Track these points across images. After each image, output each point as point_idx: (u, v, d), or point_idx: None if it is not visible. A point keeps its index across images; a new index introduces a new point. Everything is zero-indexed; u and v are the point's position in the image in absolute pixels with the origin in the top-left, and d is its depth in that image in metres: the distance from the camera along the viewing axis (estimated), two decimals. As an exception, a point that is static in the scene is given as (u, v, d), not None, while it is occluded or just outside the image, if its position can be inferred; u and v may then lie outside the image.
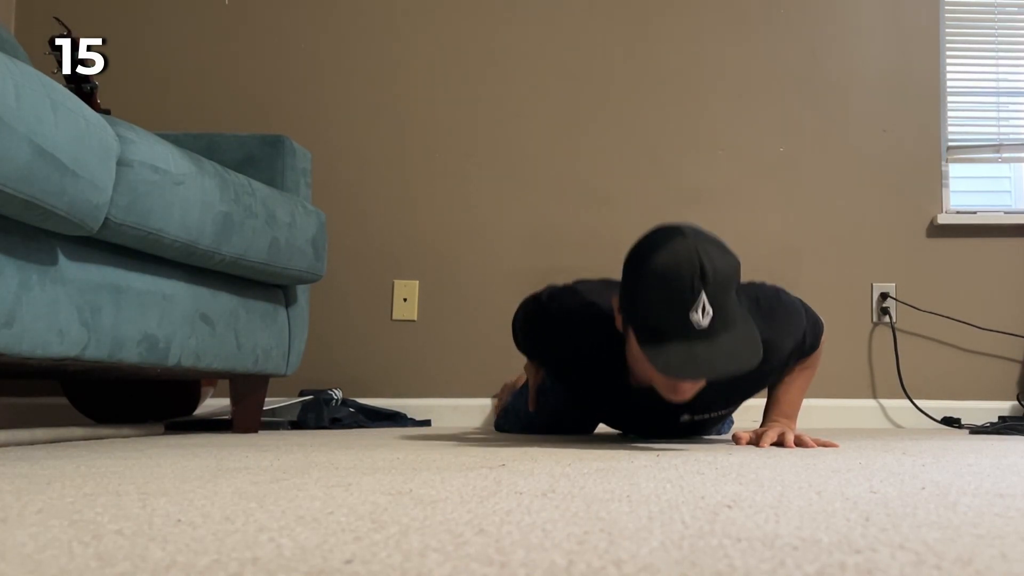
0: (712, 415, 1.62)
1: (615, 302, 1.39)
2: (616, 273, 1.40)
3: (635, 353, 1.33)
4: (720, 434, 2.08)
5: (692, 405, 1.48)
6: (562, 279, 1.65)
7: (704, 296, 1.22)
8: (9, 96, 1.09)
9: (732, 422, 2.14)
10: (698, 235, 1.27)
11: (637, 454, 1.21)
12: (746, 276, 1.36)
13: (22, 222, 1.21)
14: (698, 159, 2.75)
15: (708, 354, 1.23)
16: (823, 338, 1.65)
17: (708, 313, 1.23)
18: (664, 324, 1.24)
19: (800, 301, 1.62)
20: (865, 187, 2.76)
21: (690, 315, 1.22)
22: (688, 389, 1.34)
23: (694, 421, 1.61)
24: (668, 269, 1.23)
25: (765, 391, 1.67)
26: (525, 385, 1.99)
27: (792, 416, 1.62)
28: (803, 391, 1.65)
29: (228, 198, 1.61)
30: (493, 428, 2.17)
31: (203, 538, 0.49)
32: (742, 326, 1.28)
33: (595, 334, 1.47)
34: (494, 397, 2.64)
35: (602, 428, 2.27)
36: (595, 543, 0.47)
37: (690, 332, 1.23)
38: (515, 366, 2.28)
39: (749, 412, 1.99)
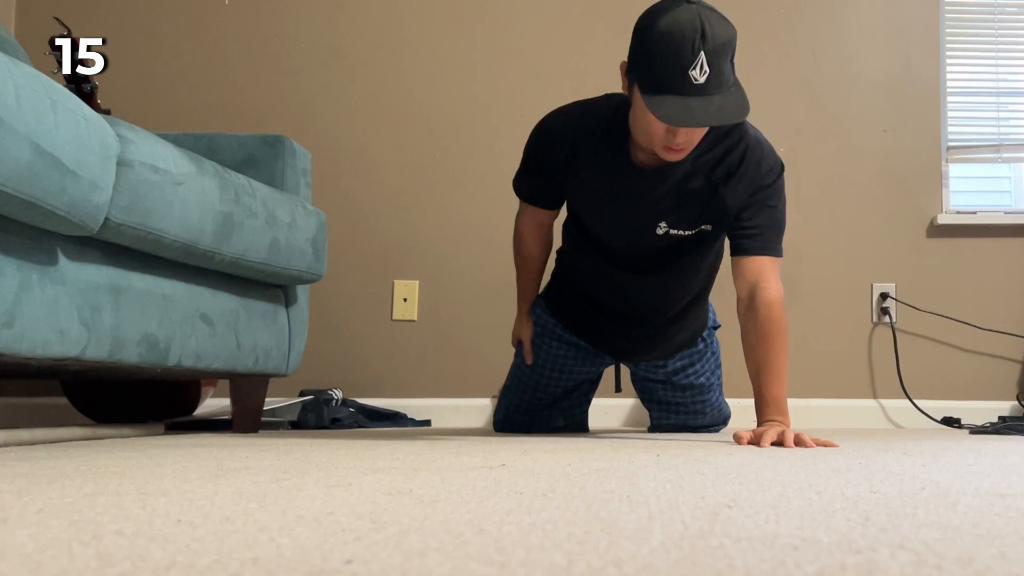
0: (684, 232, 1.70)
1: (622, 65, 1.54)
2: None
3: (638, 110, 1.51)
4: (715, 432, 2.08)
5: (671, 211, 1.65)
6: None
7: (703, 55, 1.39)
8: (9, 96, 1.09)
9: (726, 416, 2.15)
10: (702, 3, 1.44)
11: (637, 454, 1.21)
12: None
13: (22, 222, 1.21)
14: (698, 159, 2.75)
15: (701, 107, 1.40)
16: (780, 284, 1.68)
17: (705, 71, 1.40)
18: (665, 78, 1.41)
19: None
20: (865, 187, 2.76)
21: (689, 72, 1.40)
22: (683, 143, 1.50)
23: (668, 236, 1.70)
24: (672, 29, 1.40)
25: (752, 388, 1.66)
26: (515, 364, 2.04)
27: (785, 411, 1.61)
28: (785, 376, 1.65)
29: (228, 198, 1.61)
30: (492, 428, 2.17)
31: (203, 538, 0.49)
32: (734, 89, 1.46)
33: (597, 113, 1.67)
34: (493, 397, 2.64)
35: (596, 425, 2.27)
36: (595, 543, 0.47)
37: (687, 87, 1.40)
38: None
39: (748, 412, 1.99)
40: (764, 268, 1.65)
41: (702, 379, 2.02)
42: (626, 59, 1.52)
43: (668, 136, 1.48)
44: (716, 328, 2.06)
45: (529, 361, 1.99)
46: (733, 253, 1.69)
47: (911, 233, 2.75)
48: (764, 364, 1.63)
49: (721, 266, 1.90)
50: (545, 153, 1.73)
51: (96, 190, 1.27)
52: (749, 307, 1.64)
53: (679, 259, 1.78)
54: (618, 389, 2.12)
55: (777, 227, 1.70)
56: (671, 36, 1.39)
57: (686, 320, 1.93)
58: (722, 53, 1.42)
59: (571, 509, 0.61)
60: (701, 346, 2.01)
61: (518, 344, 2.04)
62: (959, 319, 2.69)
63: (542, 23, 2.81)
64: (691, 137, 1.51)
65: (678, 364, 1.99)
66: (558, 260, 2.01)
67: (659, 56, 1.41)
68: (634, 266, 1.79)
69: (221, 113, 2.75)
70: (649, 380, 2.04)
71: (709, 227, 1.70)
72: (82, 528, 0.52)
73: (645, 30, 1.45)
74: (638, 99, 1.47)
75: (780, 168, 1.69)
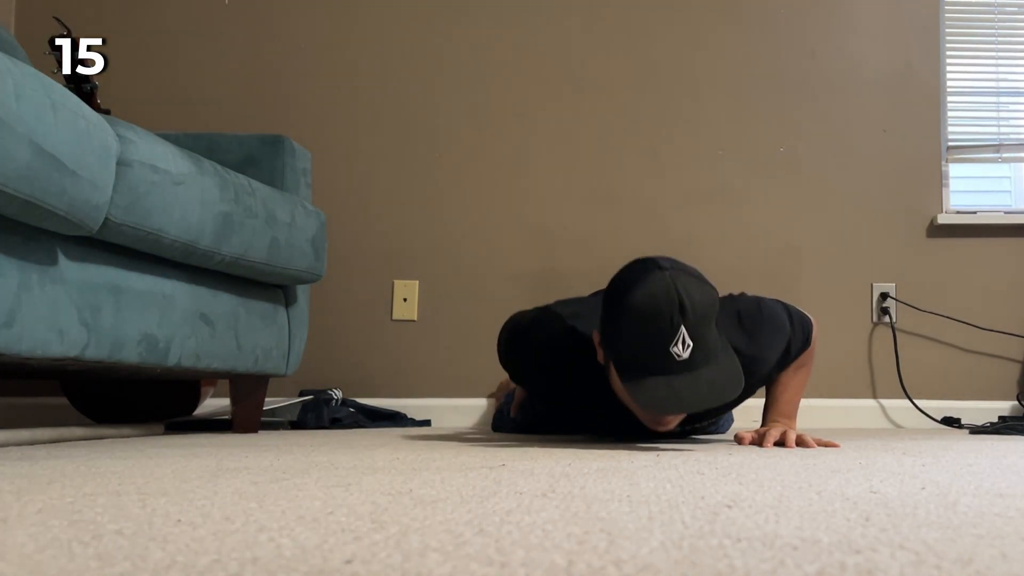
0: (701, 425, 1.64)
1: (596, 337, 1.39)
2: (614, 273, 1.40)
3: (618, 385, 1.35)
4: (721, 433, 2.08)
5: (680, 424, 1.49)
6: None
7: (684, 330, 1.24)
8: (9, 96, 1.09)
9: (732, 420, 2.14)
10: (676, 268, 1.29)
11: (637, 454, 1.21)
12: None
13: (22, 222, 1.21)
14: (698, 159, 2.75)
15: (689, 388, 1.24)
16: (815, 335, 1.65)
17: (688, 346, 1.24)
18: (645, 359, 1.26)
19: (783, 306, 1.61)
20: (865, 187, 2.76)
21: (670, 349, 1.24)
22: (671, 420, 1.37)
23: (684, 431, 1.63)
24: (647, 305, 1.25)
25: (763, 389, 1.68)
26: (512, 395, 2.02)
27: (791, 416, 1.62)
28: (801, 389, 1.65)
29: (228, 198, 1.61)
30: (491, 428, 2.17)
31: (203, 538, 0.49)
32: (723, 358, 1.30)
33: (580, 361, 1.46)
34: (490, 396, 2.64)
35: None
36: (595, 543, 0.47)
37: (671, 366, 1.25)
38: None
39: (749, 412, 1.99)
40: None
41: (712, 429, 1.98)
42: (598, 329, 1.38)
43: (654, 416, 1.36)
44: None
45: (513, 415, 1.91)
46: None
47: (911, 233, 2.75)
48: (784, 378, 1.63)
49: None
50: (520, 378, 1.65)
51: (96, 190, 1.27)
52: None
53: (703, 432, 1.71)
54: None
55: (800, 331, 1.60)
56: (646, 314, 1.24)
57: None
58: (705, 322, 1.26)
59: (571, 509, 0.61)
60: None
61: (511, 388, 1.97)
62: (959, 319, 2.69)
63: (542, 23, 2.81)
64: (680, 414, 1.37)
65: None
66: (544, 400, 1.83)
67: (635, 336, 1.26)
68: (643, 439, 1.66)
69: (221, 113, 2.75)
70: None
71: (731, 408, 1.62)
72: (82, 528, 0.52)
73: (617, 306, 1.30)
74: (617, 378, 1.32)
75: (784, 328, 1.57)
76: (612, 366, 1.33)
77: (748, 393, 1.57)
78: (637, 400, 1.26)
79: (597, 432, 1.77)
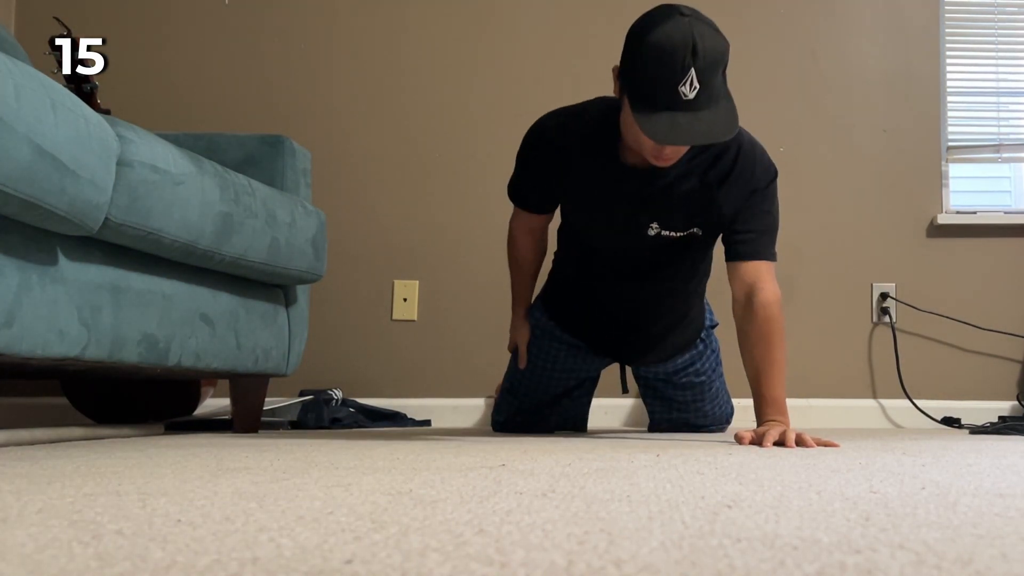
0: (675, 234, 1.69)
1: (614, 70, 1.53)
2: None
3: (627, 119, 1.49)
4: (721, 431, 2.08)
5: (661, 212, 1.66)
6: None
7: (693, 72, 1.37)
8: (9, 96, 1.09)
9: (731, 414, 2.15)
10: (695, 16, 1.41)
11: (637, 454, 1.21)
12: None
13: (22, 222, 1.21)
14: (698, 159, 2.75)
15: (689, 124, 1.39)
16: (777, 286, 1.67)
17: (695, 87, 1.38)
18: (655, 94, 1.40)
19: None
20: (865, 187, 2.76)
21: (679, 88, 1.38)
22: (672, 153, 1.51)
23: (660, 238, 1.70)
24: (663, 44, 1.38)
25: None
26: (511, 367, 2.05)
27: (784, 411, 1.62)
28: (783, 375, 1.65)
29: (228, 198, 1.61)
30: (491, 428, 2.18)
31: (203, 538, 0.49)
32: (724, 104, 1.44)
33: (588, 116, 1.67)
34: (489, 397, 2.64)
35: (596, 425, 2.27)
36: (595, 543, 0.47)
37: (677, 103, 1.39)
38: (515, 366, 2.28)
39: (748, 412, 1.99)
40: (760, 272, 1.65)
41: (703, 377, 2.02)
42: (619, 64, 1.52)
43: (657, 147, 1.49)
44: (714, 327, 2.06)
45: (522, 366, 1.99)
46: (728, 258, 1.69)
47: (911, 233, 2.75)
48: (763, 364, 1.62)
49: (717, 266, 1.90)
50: (537, 156, 1.74)
51: (96, 190, 1.27)
52: (747, 308, 1.64)
53: (671, 262, 1.78)
54: (624, 390, 2.12)
55: (771, 231, 1.70)
56: (662, 50, 1.38)
57: (682, 323, 1.94)
58: (713, 68, 1.40)
59: (571, 509, 0.61)
60: (700, 346, 2.01)
61: (515, 347, 2.04)
62: (959, 319, 2.69)
63: (542, 23, 2.81)
64: (680, 149, 1.52)
65: (678, 364, 1.99)
66: (554, 263, 2.02)
67: (649, 71, 1.40)
68: (626, 270, 1.80)
69: (221, 113, 2.75)
70: (650, 378, 2.05)
71: (700, 232, 1.70)
72: (82, 528, 0.52)
73: (636, 42, 1.43)
74: (628, 108, 1.46)
75: (774, 173, 1.69)
76: (625, 99, 1.47)
77: (724, 210, 1.66)
78: (643, 127, 1.40)
79: (587, 252, 1.83)
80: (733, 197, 1.65)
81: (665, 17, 1.41)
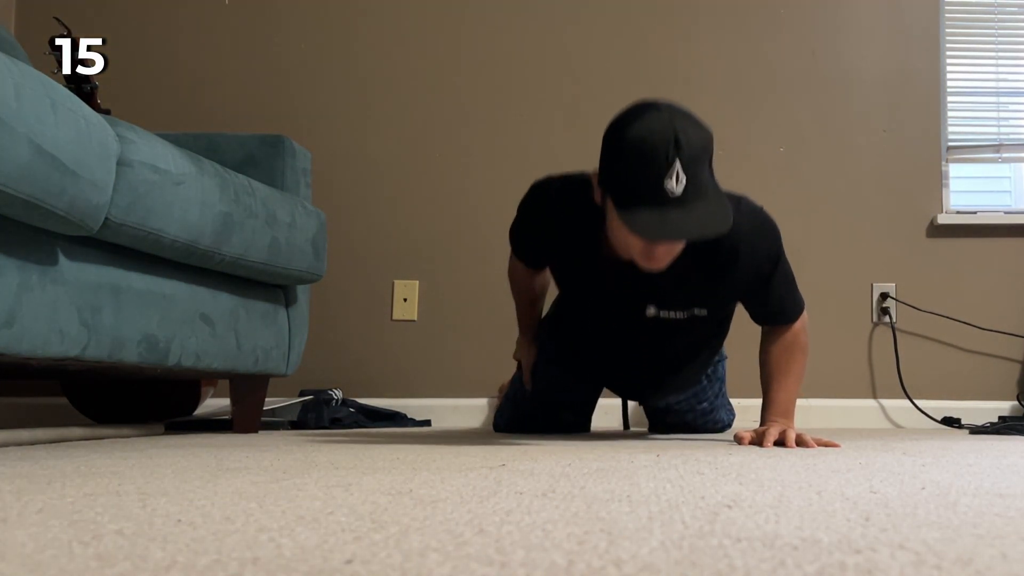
0: (675, 315, 1.63)
1: (594, 177, 1.44)
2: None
3: (613, 222, 1.40)
4: (721, 431, 2.08)
5: (658, 295, 1.58)
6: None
7: (678, 164, 1.28)
8: (9, 96, 1.09)
9: (732, 416, 2.15)
10: (673, 109, 1.34)
11: (637, 454, 1.21)
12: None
13: (22, 222, 1.21)
14: (698, 159, 2.75)
15: (680, 219, 1.30)
16: (804, 316, 1.67)
17: (682, 181, 1.29)
18: (639, 191, 1.31)
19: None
20: (865, 187, 2.76)
21: (664, 182, 1.29)
22: (662, 255, 1.40)
23: (659, 318, 1.63)
24: (644, 138, 1.30)
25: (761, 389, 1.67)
26: (518, 376, 2.03)
27: (790, 415, 1.62)
28: (797, 386, 1.65)
29: (228, 198, 1.61)
30: (492, 428, 2.17)
31: (203, 538, 0.49)
32: (714, 196, 1.34)
33: (581, 196, 1.52)
34: (491, 397, 2.64)
35: (597, 425, 2.27)
36: (595, 543, 0.47)
37: (664, 199, 1.30)
38: (514, 366, 2.28)
39: (749, 412, 2.00)
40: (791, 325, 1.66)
41: (704, 404, 2.01)
42: (596, 169, 1.43)
43: (647, 248, 1.39)
44: (721, 360, 2.02)
45: (527, 385, 1.94)
46: (753, 319, 1.67)
47: (911, 233, 2.75)
48: (780, 370, 1.63)
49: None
50: (529, 226, 1.67)
51: (96, 190, 1.27)
52: (775, 329, 1.65)
53: (675, 338, 1.71)
54: (626, 427, 2.12)
55: (790, 290, 1.64)
56: (643, 146, 1.29)
57: (693, 373, 1.90)
58: (699, 160, 1.31)
59: (571, 509, 0.61)
60: (705, 381, 1.98)
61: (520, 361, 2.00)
62: (959, 319, 2.69)
63: (542, 23, 2.81)
64: (672, 249, 1.41)
65: (680, 398, 1.98)
66: (558, 306, 1.93)
67: (632, 167, 1.31)
68: (628, 342, 1.73)
69: (221, 113, 2.75)
70: (651, 404, 2.04)
71: (704, 311, 1.63)
72: (82, 528, 0.52)
73: (615, 140, 1.35)
74: (612, 212, 1.37)
75: (777, 250, 1.60)
76: (609, 201, 1.38)
77: (726, 292, 1.60)
78: (630, 226, 1.31)
79: (585, 324, 1.78)
80: (739, 282, 1.59)
81: (641, 112, 1.33)
